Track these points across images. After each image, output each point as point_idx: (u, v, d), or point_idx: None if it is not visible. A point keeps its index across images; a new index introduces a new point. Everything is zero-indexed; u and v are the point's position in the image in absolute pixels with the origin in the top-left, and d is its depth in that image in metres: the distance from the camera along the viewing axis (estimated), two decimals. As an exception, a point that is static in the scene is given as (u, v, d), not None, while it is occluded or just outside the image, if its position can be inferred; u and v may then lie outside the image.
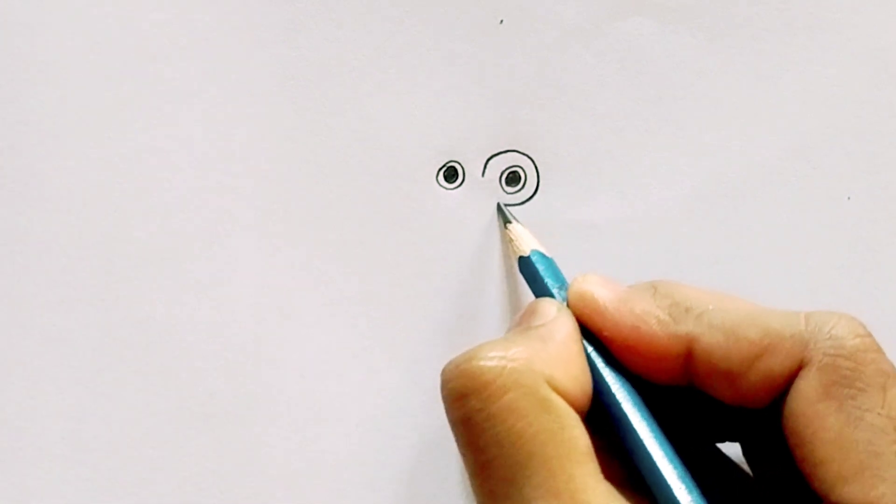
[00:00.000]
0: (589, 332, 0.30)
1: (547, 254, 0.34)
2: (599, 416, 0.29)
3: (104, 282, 0.35)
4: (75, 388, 0.35)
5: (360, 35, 0.36)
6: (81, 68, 0.35)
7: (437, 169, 0.36)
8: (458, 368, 0.27)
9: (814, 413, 0.26)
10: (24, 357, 0.35)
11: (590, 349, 0.29)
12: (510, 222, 0.35)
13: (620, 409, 0.28)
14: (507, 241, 0.35)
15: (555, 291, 0.31)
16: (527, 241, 0.34)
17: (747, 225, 0.37)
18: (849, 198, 0.37)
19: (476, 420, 0.26)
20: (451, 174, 0.36)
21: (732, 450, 0.32)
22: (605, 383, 0.29)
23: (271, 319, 0.36)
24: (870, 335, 0.27)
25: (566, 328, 0.29)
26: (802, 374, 0.27)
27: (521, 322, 0.30)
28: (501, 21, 0.36)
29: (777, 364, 0.27)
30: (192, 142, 0.35)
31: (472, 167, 0.36)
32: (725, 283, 0.37)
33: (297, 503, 0.36)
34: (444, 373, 0.27)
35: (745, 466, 0.32)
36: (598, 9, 0.36)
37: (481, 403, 0.26)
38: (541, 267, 0.33)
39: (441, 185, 0.36)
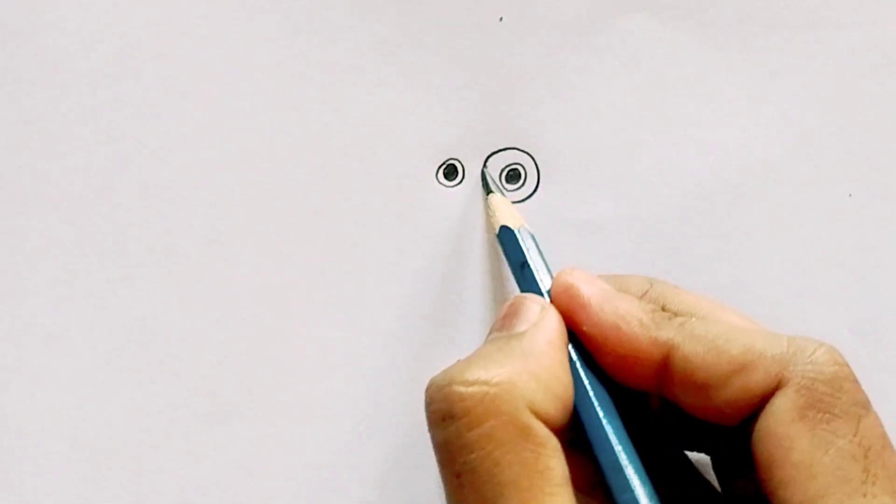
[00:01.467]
0: (569, 328, 0.29)
1: (528, 228, 0.33)
2: (578, 421, 0.29)
3: (104, 281, 0.35)
4: (75, 387, 0.35)
5: (360, 33, 0.36)
6: (80, 67, 0.35)
7: (436, 167, 0.36)
8: (441, 392, 0.27)
9: (786, 433, 0.26)
10: (24, 357, 0.35)
11: (571, 351, 0.29)
12: (492, 192, 0.35)
13: (591, 416, 0.28)
14: (487, 212, 0.35)
15: (538, 277, 0.31)
16: (507, 214, 0.34)
17: (748, 222, 0.37)
18: (850, 195, 0.37)
19: (455, 445, 0.26)
20: (450, 172, 0.36)
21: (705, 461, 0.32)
22: (581, 387, 0.28)
23: (271, 318, 0.36)
24: (848, 366, 0.27)
25: (549, 334, 0.29)
26: (779, 393, 0.27)
27: (503, 325, 0.29)
28: (501, 18, 0.36)
29: (754, 382, 0.27)
30: (192, 141, 0.35)
31: (472, 165, 0.36)
32: (725, 281, 0.37)
33: (296, 502, 0.36)
34: (426, 392, 0.27)
35: (715, 481, 0.32)
36: (598, 6, 0.36)
37: (461, 429, 0.26)
38: (525, 245, 0.33)
39: (441, 183, 0.36)
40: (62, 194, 0.35)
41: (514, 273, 0.33)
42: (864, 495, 0.25)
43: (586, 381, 0.29)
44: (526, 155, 0.36)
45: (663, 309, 0.30)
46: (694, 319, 0.29)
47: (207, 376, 0.35)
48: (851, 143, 0.37)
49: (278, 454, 0.36)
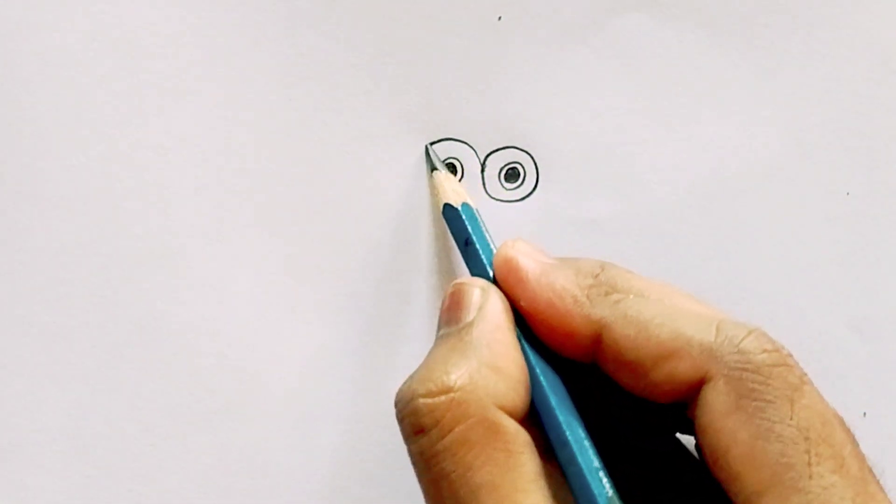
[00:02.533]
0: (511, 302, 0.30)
1: (471, 204, 0.34)
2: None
3: (104, 281, 0.35)
4: (75, 387, 0.35)
5: (359, 32, 0.36)
6: (80, 67, 0.35)
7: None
8: (408, 406, 0.27)
9: (724, 427, 0.26)
10: (24, 356, 0.35)
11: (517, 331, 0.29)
12: (436, 169, 0.35)
13: (541, 399, 0.28)
14: (430, 191, 0.35)
15: (481, 254, 0.32)
16: (449, 191, 0.34)
17: (746, 220, 0.37)
18: (848, 193, 0.37)
19: (428, 455, 0.26)
20: (450, 171, 0.36)
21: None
22: (529, 366, 0.29)
23: (271, 317, 0.36)
24: (778, 350, 0.27)
25: (495, 318, 0.29)
26: (710, 386, 0.27)
27: (449, 318, 0.29)
28: (500, 18, 0.36)
29: (681, 371, 0.27)
30: (191, 140, 0.35)
31: (470, 164, 0.36)
32: (725, 280, 0.37)
33: (296, 501, 0.36)
34: (396, 407, 0.28)
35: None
36: (596, 5, 0.36)
37: (433, 439, 0.26)
38: (468, 222, 0.33)
39: (440, 182, 0.36)
40: (62, 194, 0.35)
41: (461, 250, 0.33)
42: (811, 477, 0.25)
43: (532, 360, 0.29)
44: (525, 154, 0.36)
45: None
46: (631, 297, 0.28)
47: (207, 376, 0.35)
48: (849, 142, 0.37)
49: (278, 454, 0.36)
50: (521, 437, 0.27)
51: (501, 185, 0.36)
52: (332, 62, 0.36)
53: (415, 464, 0.27)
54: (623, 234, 0.37)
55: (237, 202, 0.36)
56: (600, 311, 0.28)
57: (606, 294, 0.29)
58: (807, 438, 0.25)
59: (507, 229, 0.36)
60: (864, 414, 0.36)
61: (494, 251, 0.31)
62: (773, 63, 0.37)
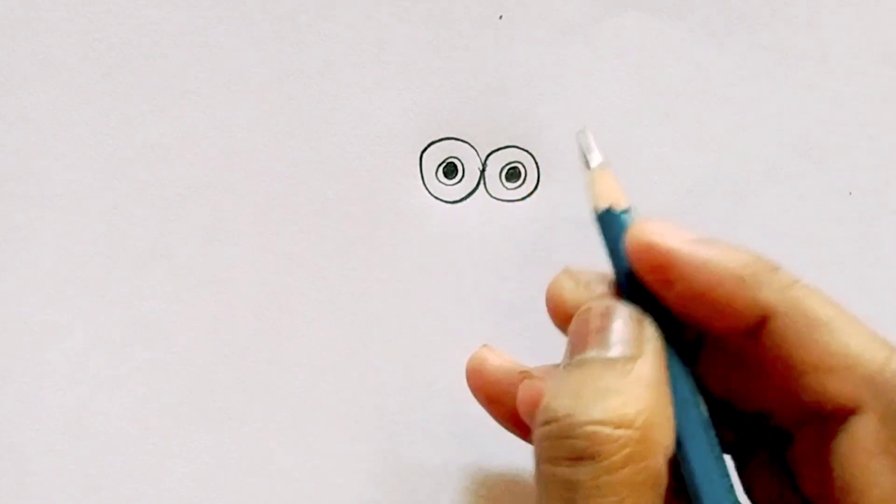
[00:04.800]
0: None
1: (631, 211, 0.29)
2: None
3: (104, 281, 0.35)
4: (75, 386, 0.35)
5: (360, 31, 0.36)
6: (79, 66, 0.35)
7: (436, 165, 0.36)
8: (578, 429, 0.24)
9: (867, 465, 0.25)
10: (25, 356, 0.35)
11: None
12: (592, 166, 0.30)
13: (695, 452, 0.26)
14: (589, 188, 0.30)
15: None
16: (608, 194, 0.29)
17: (748, 220, 0.37)
18: (850, 193, 0.37)
19: (589, 486, 0.24)
20: (450, 170, 0.36)
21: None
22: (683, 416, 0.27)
23: (271, 318, 0.36)
24: None
25: (660, 361, 0.26)
26: (863, 417, 0.25)
27: (594, 341, 0.26)
28: (501, 16, 0.36)
29: (835, 390, 0.25)
30: (191, 140, 0.35)
31: (471, 163, 0.36)
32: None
33: (296, 501, 0.36)
34: (553, 424, 0.25)
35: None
36: (596, 4, 0.36)
37: (599, 472, 0.24)
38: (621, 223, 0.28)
39: (441, 182, 0.36)
40: (62, 194, 0.35)
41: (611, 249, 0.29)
42: None
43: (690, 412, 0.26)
44: (526, 153, 0.36)
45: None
46: (800, 284, 0.26)
47: (207, 376, 0.36)
48: (851, 141, 0.37)
49: (278, 454, 0.36)
50: (666, 483, 0.25)
51: (502, 184, 0.36)
52: (332, 62, 0.36)
53: (560, 491, 0.25)
54: (624, 234, 0.37)
55: (237, 202, 0.36)
56: (768, 294, 0.26)
57: (770, 271, 0.26)
58: None
59: (507, 229, 0.36)
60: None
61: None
62: (775, 62, 0.37)
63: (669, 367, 0.27)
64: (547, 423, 0.25)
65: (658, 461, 0.25)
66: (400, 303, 0.36)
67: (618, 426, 0.24)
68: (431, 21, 0.36)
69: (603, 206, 0.29)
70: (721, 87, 0.37)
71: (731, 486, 0.26)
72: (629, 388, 0.25)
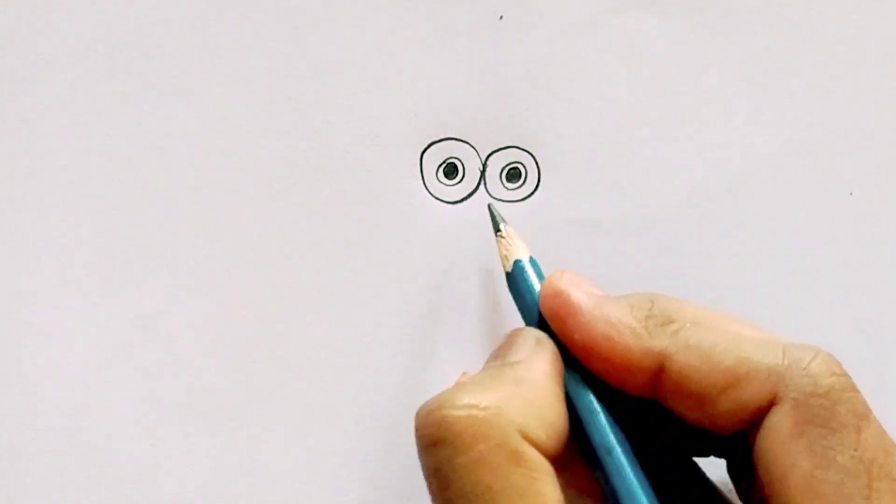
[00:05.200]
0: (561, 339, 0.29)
1: (532, 259, 0.32)
2: (579, 437, 0.28)
3: (104, 281, 0.35)
4: (75, 386, 0.35)
5: (360, 32, 0.36)
6: (79, 66, 0.35)
7: (437, 165, 0.36)
8: (430, 416, 0.26)
9: (784, 451, 0.26)
10: (25, 356, 0.35)
11: (567, 377, 0.29)
12: (500, 231, 0.34)
13: (597, 446, 0.28)
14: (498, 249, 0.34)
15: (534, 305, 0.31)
16: (515, 250, 0.33)
17: (749, 221, 0.37)
18: (851, 193, 0.37)
19: (445, 471, 0.25)
20: (451, 170, 0.36)
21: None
22: (583, 414, 0.28)
23: (271, 317, 0.36)
24: (846, 374, 0.26)
25: (544, 366, 0.28)
26: (775, 409, 0.26)
27: (497, 355, 0.29)
28: (501, 17, 0.36)
29: (749, 396, 0.27)
30: (191, 140, 0.35)
31: (472, 164, 0.36)
32: (726, 281, 0.37)
33: (296, 501, 0.36)
34: (417, 417, 0.27)
35: (730, 484, 0.31)
36: (598, 4, 0.36)
37: (451, 454, 0.25)
38: (526, 277, 0.32)
39: (441, 182, 0.36)
40: (62, 194, 0.35)
41: (513, 294, 0.32)
42: None
43: (588, 405, 0.28)
44: (526, 153, 0.36)
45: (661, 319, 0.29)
46: (689, 325, 0.28)
47: (207, 376, 0.36)
48: (852, 142, 0.37)
49: (278, 454, 0.36)
50: (544, 467, 0.26)
51: (503, 184, 0.36)
52: (332, 62, 0.36)
53: (429, 479, 0.26)
54: (625, 235, 0.37)
55: (237, 202, 0.36)
56: (660, 341, 0.28)
57: (664, 324, 0.28)
58: (868, 471, 0.25)
59: (507, 229, 0.36)
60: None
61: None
62: (776, 62, 0.37)
63: (575, 388, 0.28)
64: (415, 418, 0.27)
65: (513, 440, 0.25)
66: (400, 303, 0.36)
67: (460, 409, 0.26)
68: (431, 21, 0.36)
69: (509, 267, 0.32)
70: (722, 87, 0.37)
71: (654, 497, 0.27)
72: (495, 384, 0.27)
